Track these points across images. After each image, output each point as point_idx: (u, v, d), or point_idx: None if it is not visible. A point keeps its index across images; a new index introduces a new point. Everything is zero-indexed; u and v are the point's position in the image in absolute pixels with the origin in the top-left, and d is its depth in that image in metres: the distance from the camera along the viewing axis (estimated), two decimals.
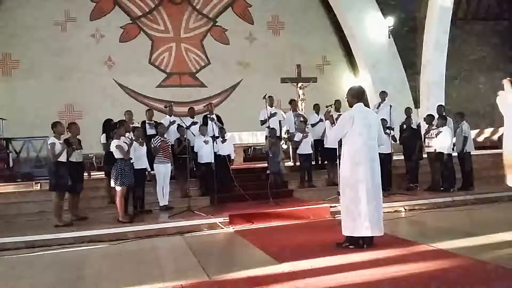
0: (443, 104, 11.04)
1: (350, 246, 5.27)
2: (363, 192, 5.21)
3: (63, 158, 7.25)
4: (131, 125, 8.70)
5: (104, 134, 8.61)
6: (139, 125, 9.31)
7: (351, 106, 5.51)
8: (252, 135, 12.35)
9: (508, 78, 6.30)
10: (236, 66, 16.34)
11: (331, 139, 5.97)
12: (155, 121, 9.61)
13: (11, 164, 11.27)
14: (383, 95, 10.56)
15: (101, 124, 8.87)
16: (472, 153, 9.56)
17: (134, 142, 7.82)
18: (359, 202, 5.22)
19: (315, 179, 9.93)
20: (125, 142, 7.45)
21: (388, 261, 4.69)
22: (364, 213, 5.18)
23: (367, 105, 12.65)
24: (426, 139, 9.58)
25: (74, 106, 14.77)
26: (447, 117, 9.55)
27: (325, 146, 9.79)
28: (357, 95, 5.49)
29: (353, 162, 5.27)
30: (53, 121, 7.68)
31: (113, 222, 7.31)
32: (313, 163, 10.32)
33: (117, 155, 7.33)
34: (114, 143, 7.39)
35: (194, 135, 9.18)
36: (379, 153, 9.30)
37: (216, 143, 8.99)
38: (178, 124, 9.20)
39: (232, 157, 9.72)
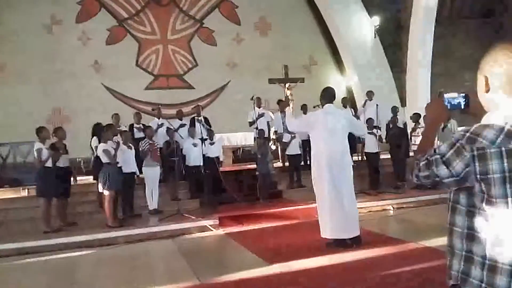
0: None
1: (339, 247, 5.32)
2: (327, 193, 5.30)
3: (49, 164, 7.20)
4: (118, 129, 8.65)
5: (95, 137, 8.52)
6: (127, 129, 9.28)
7: (322, 107, 5.63)
8: (240, 137, 12.32)
9: None
10: (223, 67, 16.25)
11: (291, 128, 6.16)
12: (143, 124, 9.58)
13: None
14: (369, 94, 10.64)
15: (90, 128, 8.77)
16: None
17: (122, 145, 7.79)
18: (325, 203, 5.33)
19: (304, 179, 9.96)
20: (112, 147, 7.42)
21: (378, 260, 4.75)
22: (329, 215, 5.28)
23: (352, 105, 12.64)
24: (412, 137, 9.68)
25: (62, 110, 14.61)
26: None
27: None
28: (326, 97, 5.62)
29: (317, 162, 5.40)
30: (38, 126, 7.63)
31: (103, 227, 7.28)
32: (302, 163, 10.37)
33: (104, 159, 7.30)
34: (101, 147, 7.36)
35: (183, 138, 9.16)
36: (367, 152, 9.55)
37: (205, 145, 9.00)
38: (167, 127, 9.19)
39: (221, 159, 9.73)
